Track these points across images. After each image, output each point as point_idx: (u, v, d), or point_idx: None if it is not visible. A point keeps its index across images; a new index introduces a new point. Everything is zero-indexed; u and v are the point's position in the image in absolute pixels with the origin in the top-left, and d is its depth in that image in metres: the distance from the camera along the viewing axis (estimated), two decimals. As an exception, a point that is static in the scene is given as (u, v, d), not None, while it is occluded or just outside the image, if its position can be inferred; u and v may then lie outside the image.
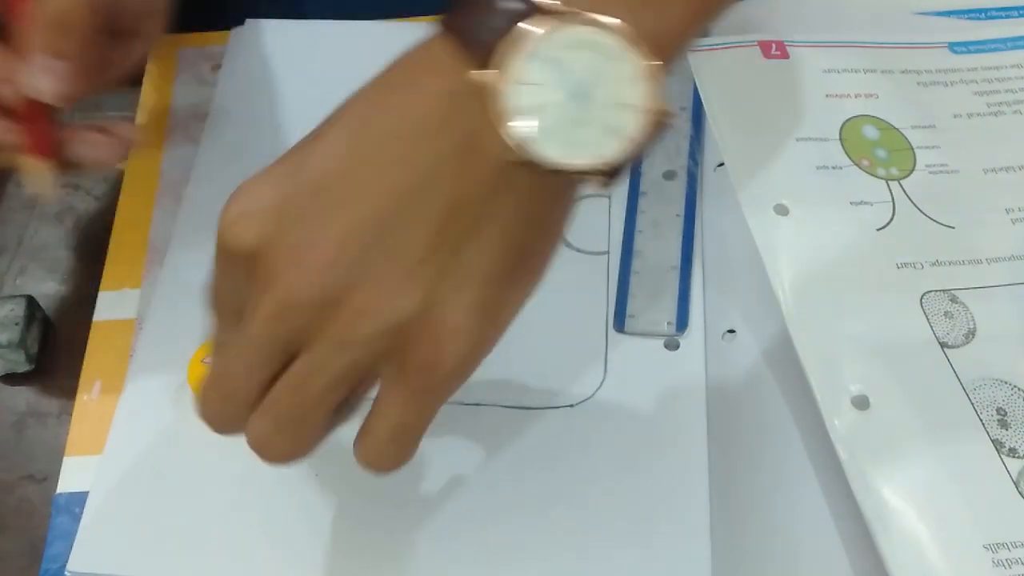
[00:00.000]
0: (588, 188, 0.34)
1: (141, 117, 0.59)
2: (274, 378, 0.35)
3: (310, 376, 0.34)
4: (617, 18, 0.32)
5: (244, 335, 0.34)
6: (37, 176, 0.46)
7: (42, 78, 0.45)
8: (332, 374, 0.34)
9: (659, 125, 0.32)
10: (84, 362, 0.49)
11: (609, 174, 0.33)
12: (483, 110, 0.32)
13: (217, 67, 0.60)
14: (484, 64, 0.31)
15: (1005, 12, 0.59)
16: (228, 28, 0.61)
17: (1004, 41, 0.57)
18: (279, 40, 0.61)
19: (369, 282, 0.32)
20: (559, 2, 0.32)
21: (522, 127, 0.31)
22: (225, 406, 0.36)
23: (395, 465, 0.36)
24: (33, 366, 0.49)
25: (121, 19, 0.50)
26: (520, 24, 0.31)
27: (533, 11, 0.31)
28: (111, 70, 0.52)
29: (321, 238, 0.32)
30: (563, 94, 0.32)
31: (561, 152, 0.32)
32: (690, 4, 0.35)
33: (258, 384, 0.35)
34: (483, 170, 0.32)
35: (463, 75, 0.32)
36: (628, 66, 0.32)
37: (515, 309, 0.35)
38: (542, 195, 0.34)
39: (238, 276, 0.34)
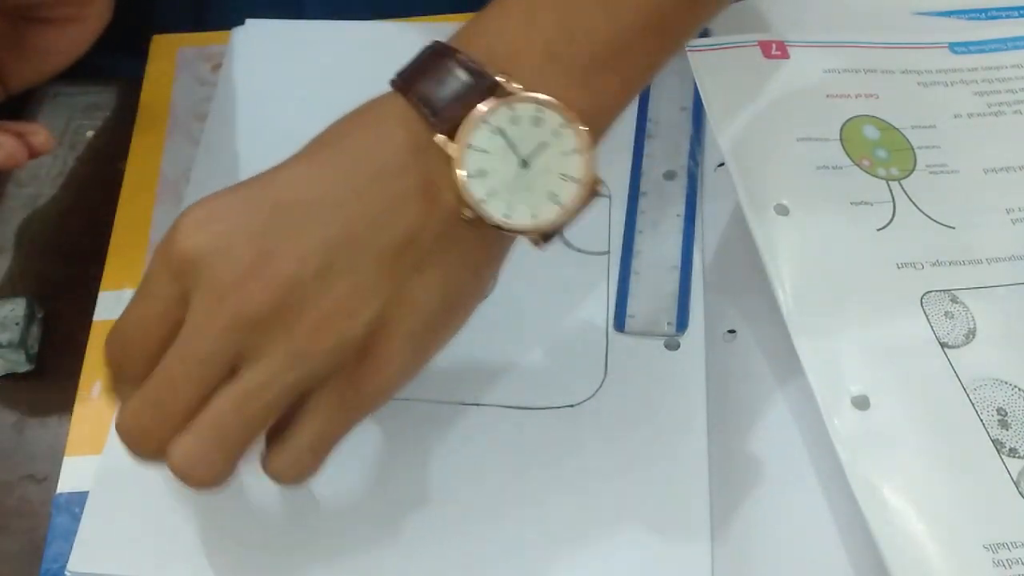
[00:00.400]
0: (526, 244, 0.38)
1: (141, 117, 0.59)
2: (206, 397, 0.35)
3: (260, 388, 0.35)
4: (557, 96, 0.36)
5: (189, 346, 0.35)
6: None
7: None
8: (281, 386, 0.35)
9: (592, 193, 0.37)
10: (84, 362, 0.49)
11: (545, 235, 0.37)
12: (439, 165, 0.36)
13: (217, 67, 0.60)
14: (442, 126, 0.36)
15: (1005, 12, 0.59)
16: (228, 28, 0.61)
17: (1004, 41, 0.57)
18: (279, 40, 0.61)
19: (326, 299, 0.35)
20: (506, 78, 0.36)
21: (472, 188, 0.36)
22: (156, 421, 0.36)
23: (307, 475, 0.38)
24: (33, 366, 0.49)
25: (41, 6, 0.51)
26: (473, 96, 0.36)
27: (485, 84, 0.36)
28: (46, 58, 0.52)
29: (281, 253, 0.35)
30: (509, 162, 0.37)
31: (505, 213, 0.36)
32: (619, 85, 0.39)
33: (196, 398, 0.35)
34: (435, 217, 0.36)
35: (425, 133, 0.36)
36: (567, 140, 0.37)
37: (440, 345, 0.39)
38: (482, 247, 0.38)
39: (177, 287, 0.35)
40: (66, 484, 0.46)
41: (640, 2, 0.39)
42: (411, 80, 0.37)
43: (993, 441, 0.42)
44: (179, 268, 0.35)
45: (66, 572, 0.43)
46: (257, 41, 0.61)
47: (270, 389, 0.35)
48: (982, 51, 0.57)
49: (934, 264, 0.48)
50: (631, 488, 0.45)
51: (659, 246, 0.51)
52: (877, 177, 0.51)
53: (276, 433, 0.37)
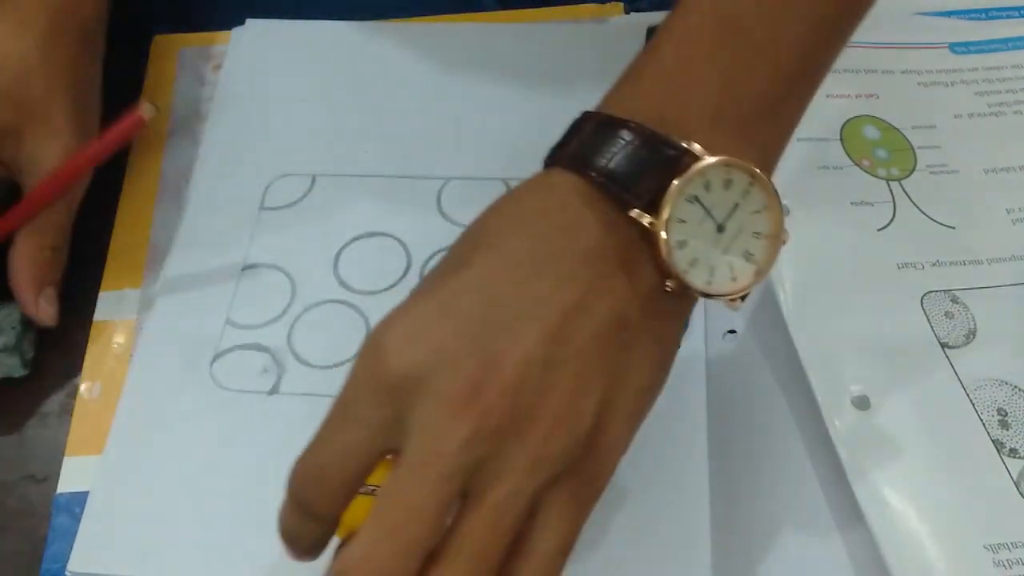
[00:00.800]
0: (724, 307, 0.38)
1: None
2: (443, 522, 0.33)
3: (509, 501, 0.33)
4: (738, 156, 0.35)
5: (428, 466, 0.33)
6: None
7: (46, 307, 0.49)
8: (528, 496, 0.33)
9: (781, 247, 0.37)
10: (84, 362, 0.49)
11: (743, 296, 0.37)
12: (635, 240, 0.35)
13: (218, 67, 0.60)
14: (639, 202, 0.35)
15: (1006, 12, 0.59)
16: (229, 28, 0.61)
17: (1005, 41, 0.57)
18: (280, 40, 0.61)
19: (555, 396, 0.33)
20: (688, 144, 0.35)
21: (676, 259, 0.35)
22: (399, 554, 0.33)
23: None
24: (28, 371, 0.49)
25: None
26: (667, 167, 0.35)
27: (675, 154, 0.35)
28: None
29: (505, 356, 0.33)
30: (707, 228, 0.36)
31: (707, 280, 0.36)
32: (781, 132, 0.39)
33: (438, 524, 0.33)
34: (639, 292, 0.35)
35: (618, 210, 0.35)
36: (756, 198, 0.36)
37: (648, 414, 0.37)
38: (680, 313, 0.38)
39: (390, 410, 0.34)
40: (66, 484, 0.46)
41: (793, 50, 0.38)
42: (585, 157, 0.36)
43: (993, 441, 0.42)
44: (396, 389, 0.33)
45: (66, 572, 0.43)
46: (258, 41, 0.61)
47: (518, 500, 0.33)
48: (982, 51, 0.57)
49: (934, 264, 0.48)
50: (631, 487, 0.44)
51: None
52: (877, 177, 0.51)
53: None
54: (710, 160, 0.35)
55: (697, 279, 0.36)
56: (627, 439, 0.36)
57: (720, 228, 0.36)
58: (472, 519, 0.33)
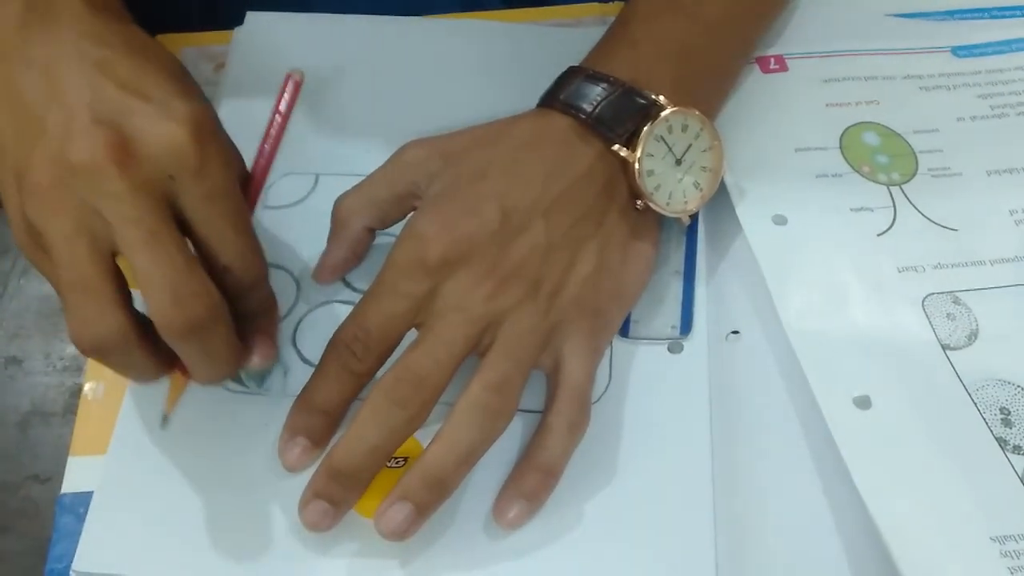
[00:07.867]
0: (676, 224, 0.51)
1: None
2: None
3: (531, 329, 0.44)
4: (696, 109, 0.48)
5: (457, 315, 0.43)
6: (177, 392, 0.46)
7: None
8: (539, 326, 0.44)
9: (719, 180, 0.49)
10: (88, 362, 0.49)
11: (691, 215, 0.49)
12: (616, 168, 0.47)
13: (220, 67, 0.60)
14: (621, 140, 0.47)
15: (1009, 12, 0.60)
16: (230, 27, 0.61)
17: (1008, 43, 0.58)
18: (282, 34, 0.61)
19: (554, 270, 0.45)
20: (661, 98, 0.47)
21: (645, 184, 0.47)
22: (448, 368, 0.42)
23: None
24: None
25: None
26: (645, 116, 0.47)
27: (651, 106, 0.47)
28: None
29: (517, 247, 0.44)
30: (669, 161, 0.48)
31: (666, 202, 0.48)
32: (721, 95, 0.54)
33: (470, 348, 0.43)
34: (615, 207, 0.47)
35: (604, 145, 0.47)
36: (704, 139, 0.48)
37: (616, 324, 0.49)
38: (645, 226, 0.49)
39: (427, 285, 0.43)
40: (71, 484, 0.45)
41: (737, 44, 0.54)
42: (576, 103, 0.47)
43: (997, 439, 0.43)
44: (434, 268, 0.43)
45: (71, 572, 0.43)
46: (260, 36, 0.60)
47: (536, 329, 0.44)
48: (985, 54, 0.58)
49: (936, 267, 0.48)
50: (635, 490, 0.45)
51: (662, 250, 0.51)
52: (878, 183, 0.51)
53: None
54: (672, 109, 0.47)
55: (660, 200, 0.48)
56: (585, 288, 0.46)
57: (678, 162, 0.48)
58: (492, 351, 0.43)
